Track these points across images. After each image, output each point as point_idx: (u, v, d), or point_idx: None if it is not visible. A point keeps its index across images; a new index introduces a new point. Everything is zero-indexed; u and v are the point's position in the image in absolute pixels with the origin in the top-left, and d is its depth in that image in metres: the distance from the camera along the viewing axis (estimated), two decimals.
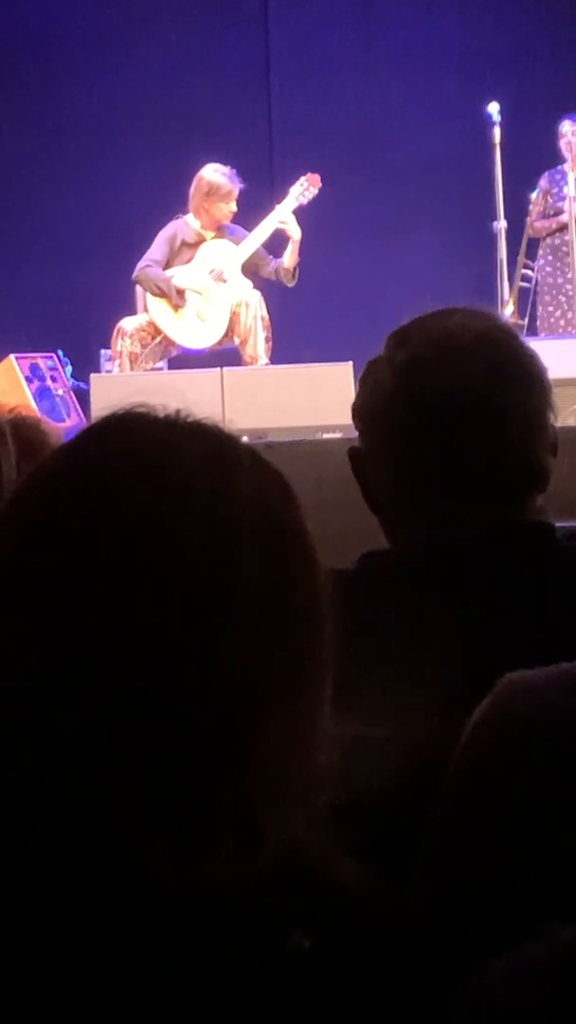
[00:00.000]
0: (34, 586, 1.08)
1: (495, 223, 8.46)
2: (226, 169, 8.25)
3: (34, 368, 8.25)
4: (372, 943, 1.09)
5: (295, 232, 8.20)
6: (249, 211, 8.36)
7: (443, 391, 1.81)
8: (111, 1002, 1.02)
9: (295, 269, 8.24)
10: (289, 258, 8.23)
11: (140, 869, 1.03)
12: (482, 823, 1.25)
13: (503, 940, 1.11)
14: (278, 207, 8.32)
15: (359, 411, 1.91)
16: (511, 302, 8.34)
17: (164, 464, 1.11)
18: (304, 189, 8.39)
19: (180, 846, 1.03)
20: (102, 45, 10.31)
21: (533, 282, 8.77)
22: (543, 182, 8.78)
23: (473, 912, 1.22)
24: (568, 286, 8.72)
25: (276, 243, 8.31)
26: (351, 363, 6.87)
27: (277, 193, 8.53)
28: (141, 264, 8.24)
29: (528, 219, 8.66)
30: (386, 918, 1.11)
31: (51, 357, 8.45)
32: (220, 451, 1.14)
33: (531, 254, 8.82)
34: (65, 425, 7.92)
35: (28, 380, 8.12)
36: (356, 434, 1.94)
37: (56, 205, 10.11)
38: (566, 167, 8.78)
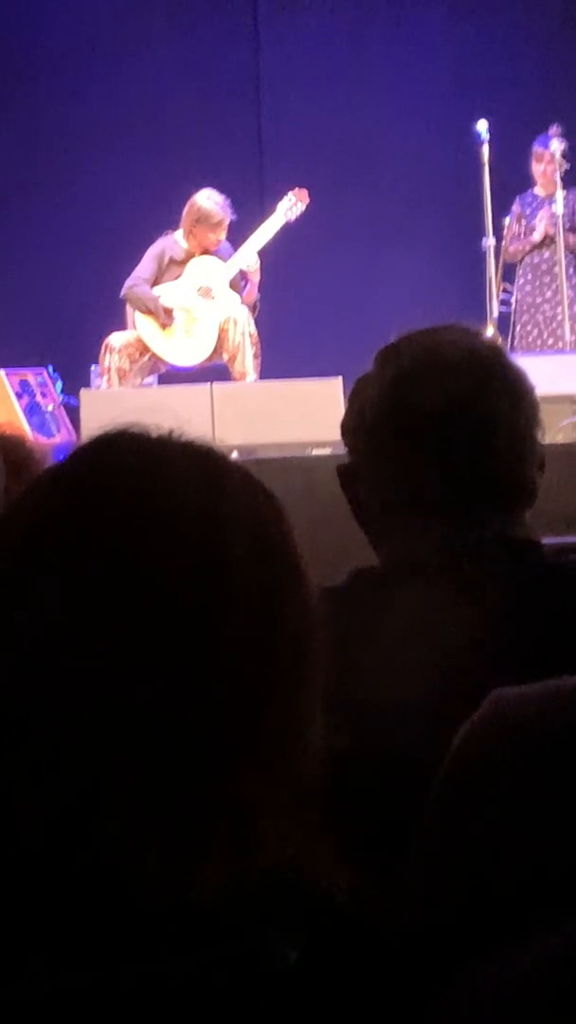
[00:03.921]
0: (29, 602, 1.09)
1: (484, 240, 8.49)
2: (219, 198, 8.24)
3: (24, 384, 8.24)
4: (359, 955, 1.10)
5: (255, 275, 8.20)
6: (238, 225, 8.37)
7: (431, 408, 1.82)
8: (102, 1004, 1.03)
9: (254, 307, 8.24)
10: (248, 296, 8.23)
11: (134, 872, 1.04)
12: (470, 834, 1.26)
13: (491, 947, 1.12)
14: (266, 223, 8.34)
15: (348, 427, 1.91)
16: (492, 325, 8.37)
17: (155, 484, 1.12)
18: (292, 204, 8.41)
19: (174, 850, 1.04)
20: (92, 59, 10.32)
21: (512, 303, 8.82)
22: (515, 207, 8.85)
23: (461, 921, 1.22)
24: (546, 305, 8.77)
25: (262, 253, 8.32)
26: (340, 379, 6.88)
27: (266, 207, 8.54)
28: (129, 282, 8.25)
29: (503, 244, 8.71)
30: (376, 930, 1.12)
31: (41, 373, 8.45)
32: (211, 471, 1.15)
33: (509, 277, 8.86)
34: (55, 440, 7.92)
35: (18, 395, 8.12)
36: (345, 450, 1.94)
37: (45, 220, 10.11)
38: (536, 190, 8.84)
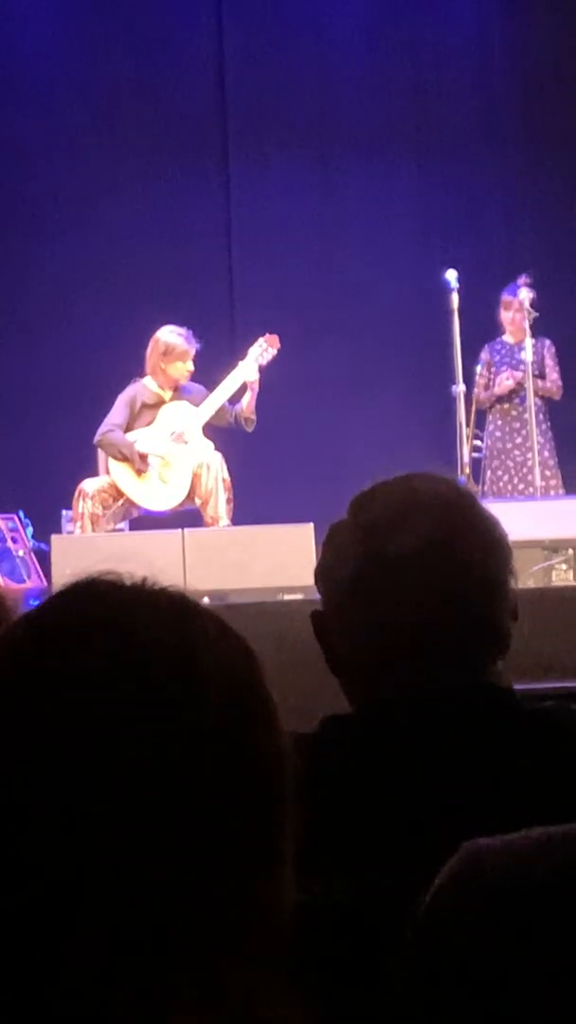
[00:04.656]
0: None
1: (454, 387, 8.57)
2: (182, 330, 8.37)
3: None
4: None
5: (254, 384, 8.30)
6: (210, 370, 8.45)
7: (405, 555, 1.82)
8: None
9: (253, 415, 8.32)
10: (247, 404, 8.31)
11: (100, 1017, 1.02)
12: (442, 990, 1.23)
13: None
14: (237, 367, 8.42)
15: (321, 574, 1.91)
16: (466, 472, 8.44)
17: (127, 632, 1.11)
18: (263, 350, 8.50)
19: (141, 995, 1.03)
20: (65, 207, 10.46)
21: (483, 449, 8.91)
22: (484, 354, 8.99)
23: None
24: (516, 451, 8.87)
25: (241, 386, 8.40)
26: (312, 525, 6.90)
27: (237, 353, 8.63)
28: (103, 428, 8.29)
29: (475, 391, 8.81)
30: None
31: (12, 518, 8.46)
32: (185, 619, 1.14)
33: (481, 424, 8.96)
34: (26, 586, 7.91)
35: None
36: (317, 595, 1.94)
37: (16, 366, 10.18)
38: (506, 337, 8.98)
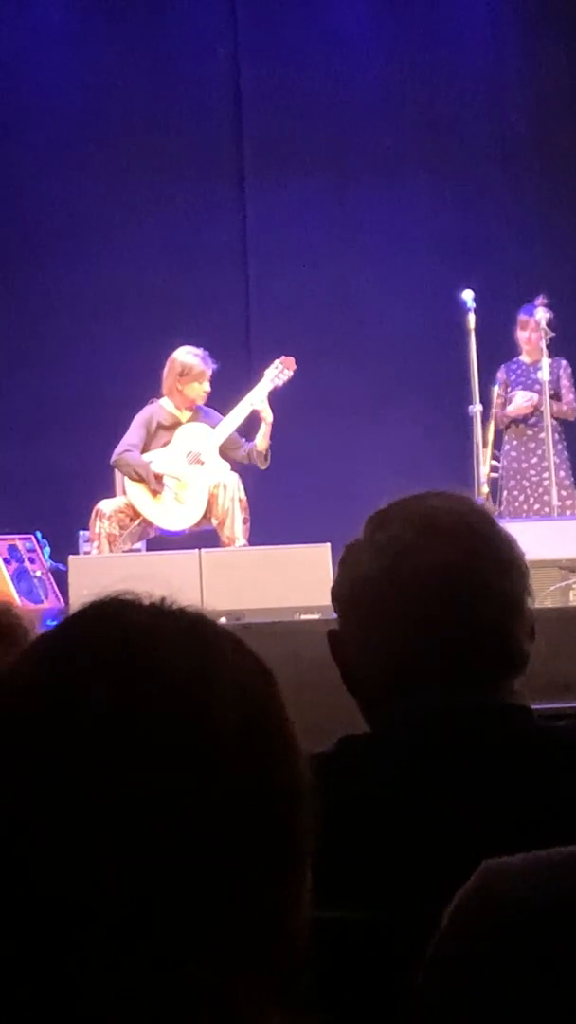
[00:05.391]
0: (14, 772, 1.07)
1: (471, 407, 8.57)
2: (199, 351, 8.37)
3: (12, 549, 8.26)
4: None
5: (268, 415, 8.31)
6: (226, 393, 8.45)
7: (421, 575, 1.82)
8: None
9: (267, 451, 8.32)
10: (262, 441, 8.31)
11: None
12: (460, 1011, 1.23)
13: None
14: (254, 389, 8.43)
15: (338, 594, 1.91)
16: (486, 492, 8.44)
17: (145, 653, 1.11)
18: (279, 372, 8.50)
19: (155, 1020, 1.02)
20: (81, 229, 10.48)
21: (500, 469, 8.92)
22: (501, 374, 8.98)
23: None
24: (532, 471, 8.85)
25: (251, 423, 8.40)
26: (328, 545, 6.90)
27: (253, 375, 8.64)
28: (119, 449, 8.30)
29: (492, 411, 8.82)
30: None
31: (29, 539, 8.47)
32: (203, 640, 1.13)
33: (498, 444, 8.96)
34: (43, 606, 7.92)
35: (6, 561, 8.13)
36: (334, 615, 1.94)
37: (34, 388, 10.20)
38: (522, 357, 8.98)
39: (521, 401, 8.83)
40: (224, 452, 8.32)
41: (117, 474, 8.40)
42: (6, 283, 10.37)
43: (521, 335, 8.95)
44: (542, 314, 8.77)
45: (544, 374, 8.69)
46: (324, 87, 10.90)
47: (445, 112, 10.96)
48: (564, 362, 8.95)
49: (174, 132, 10.69)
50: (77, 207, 10.49)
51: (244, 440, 8.36)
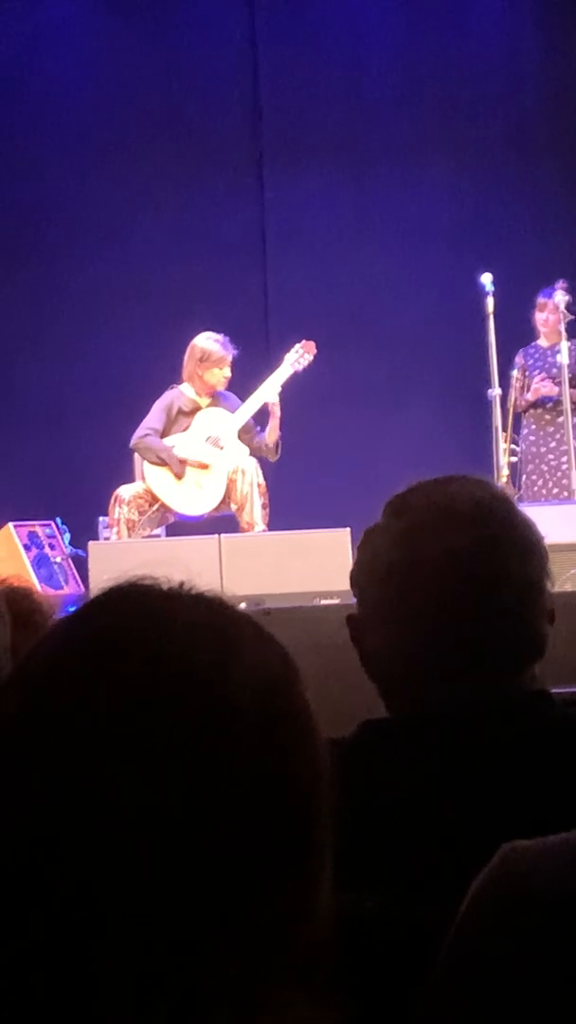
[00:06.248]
0: (34, 759, 1.07)
1: (490, 391, 8.55)
2: (219, 336, 8.37)
3: (32, 536, 8.27)
4: None
5: (277, 409, 8.30)
6: (245, 378, 8.45)
7: (440, 560, 1.81)
8: None
9: (277, 444, 8.32)
10: (271, 434, 8.31)
11: None
12: (479, 995, 1.23)
13: None
14: (274, 374, 8.42)
15: (357, 578, 1.91)
16: (505, 476, 8.41)
17: (165, 638, 1.10)
18: (299, 356, 8.50)
19: (178, 1019, 1.02)
20: (98, 218, 10.48)
21: (519, 453, 8.90)
22: (519, 358, 8.95)
23: None
24: (550, 455, 8.83)
25: (261, 415, 8.39)
26: (348, 530, 6.90)
27: (273, 361, 8.64)
28: (139, 433, 8.31)
29: (511, 395, 8.79)
30: None
31: (49, 525, 8.48)
32: (222, 625, 1.13)
33: (517, 428, 8.94)
34: (63, 592, 7.93)
35: (26, 548, 8.14)
36: (354, 600, 1.94)
37: (54, 375, 10.21)
38: (540, 341, 8.96)
39: (541, 388, 8.79)
40: (242, 437, 8.33)
41: (136, 460, 8.41)
42: (26, 273, 10.37)
43: (539, 316, 8.93)
44: (561, 296, 8.76)
45: (563, 357, 8.68)
46: (341, 75, 10.88)
47: (462, 98, 10.93)
48: None
49: (192, 121, 10.69)
50: (96, 197, 10.49)
51: (259, 429, 8.36)
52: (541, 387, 8.80)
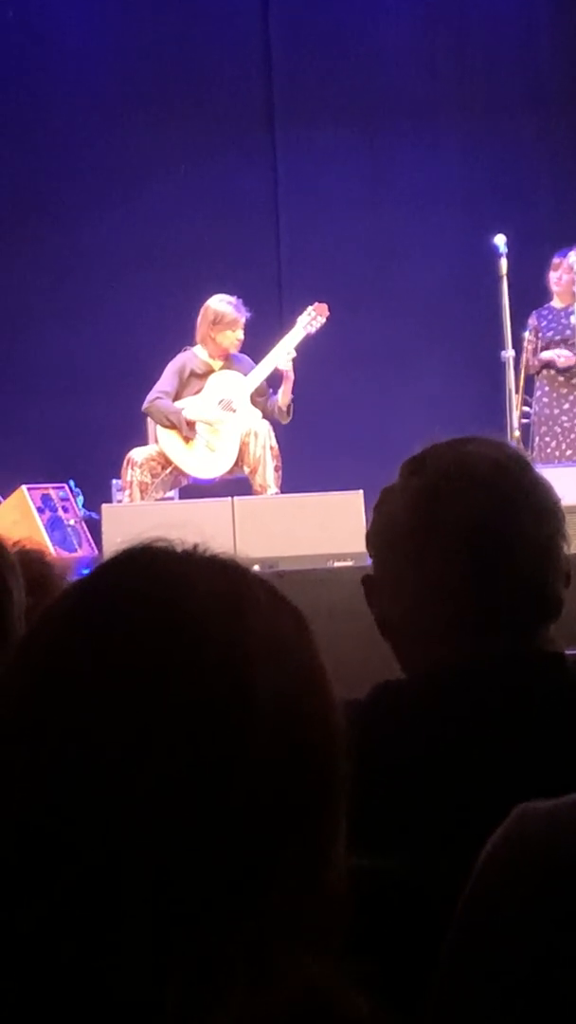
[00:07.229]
0: (49, 722, 1.07)
1: (503, 352, 8.52)
2: (232, 299, 8.36)
3: (46, 499, 8.28)
4: None
5: (290, 372, 8.28)
6: (258, 341, 8.44)
7: (457, 521, 1.81)
8: None
9: (289, 407, 8.30)
10: (283, 396, 8.29)
11: (153, 1005, 1.01)
12: (495, 955, 1.23)
13: None
14: (286, 336, 8.40)
15: (373, 538, 1.91)
16: (516, 437, 8.40)
17: (179, 600, 1.10)
18: (312, 319, 8.48)
19: (194, 982, 1.02)
20: (111, 181, 10.46)
21: (532, 415, 8.88)
22: (532, 320, 8.93)
23: None
24: (564, 417, 8.82)
25: (273, 379, 8.37)
26: (361, 492, 6.90)
27: (285, 323, 8.62)
28: (151, 396, 8.30)
29: (524, 357, 8.77)
30: None
31: (62, 488, 8.49)
32: (236, 587, 1.13)
33: (529, 389, 8.92)
34: (77, 555, 7.95)
35: (40, 511, 8.15)
36: (367, 562, 1.94)
37: (67, 338, 10.21)
38: (554, 302, 8.93)
39: (558, 355, 8.76)
40: (255, 400, 8.32)
41: (149, 422, 8.41)
42: (39, 236, 10.35)
43: (552, 276, 8.91)
44: (575, 257, 8.73)
45: None
46: (355, 35, 10.82)
47: (478, 59, 10.89)
48: None
49: (205, 83, 10.64)
50: (107, 159, 10.46)
51: (271, 391, 8.34)
52: (557, 358, 8.76)
